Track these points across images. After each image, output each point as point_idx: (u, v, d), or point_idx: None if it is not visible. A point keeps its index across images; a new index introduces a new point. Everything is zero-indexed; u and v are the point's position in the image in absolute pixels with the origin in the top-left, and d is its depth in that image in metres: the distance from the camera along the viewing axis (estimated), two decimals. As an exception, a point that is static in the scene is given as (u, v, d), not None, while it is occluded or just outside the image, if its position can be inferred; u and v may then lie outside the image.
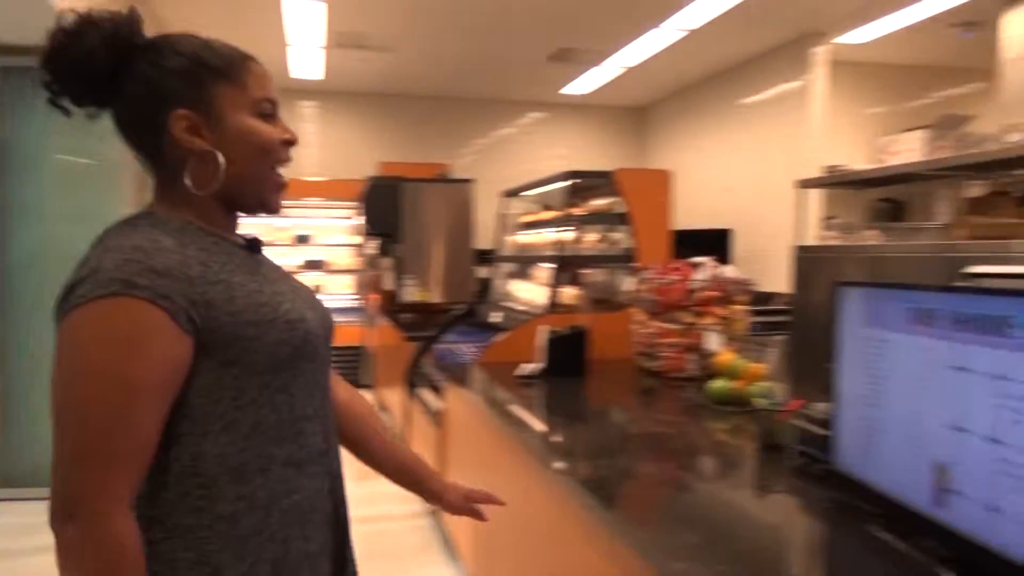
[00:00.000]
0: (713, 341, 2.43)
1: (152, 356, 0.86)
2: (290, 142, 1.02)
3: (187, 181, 0.96)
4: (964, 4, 5.12)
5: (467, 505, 1.32)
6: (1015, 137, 4.83)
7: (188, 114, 0.95)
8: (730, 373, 2.33)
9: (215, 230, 0.99)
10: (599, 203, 3.79)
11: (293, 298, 1.02)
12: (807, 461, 1.60)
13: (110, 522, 0.83)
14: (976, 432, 1.05)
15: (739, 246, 6.08)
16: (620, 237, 3.64)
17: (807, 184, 4.50)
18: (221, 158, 0.96)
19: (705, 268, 2.79)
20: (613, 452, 1.87)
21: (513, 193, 4.42)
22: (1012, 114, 4.96)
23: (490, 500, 1.34)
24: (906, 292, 1.23)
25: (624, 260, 3.48)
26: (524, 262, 4.14)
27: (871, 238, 4.55)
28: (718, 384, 2.29)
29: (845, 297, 1.40)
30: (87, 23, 0.92)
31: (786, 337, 4.70)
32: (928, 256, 3.59)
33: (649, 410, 2.47)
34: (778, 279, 5.38)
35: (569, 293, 3.49)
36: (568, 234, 3.53)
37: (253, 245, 1.05)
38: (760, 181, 6.21)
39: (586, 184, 3.64)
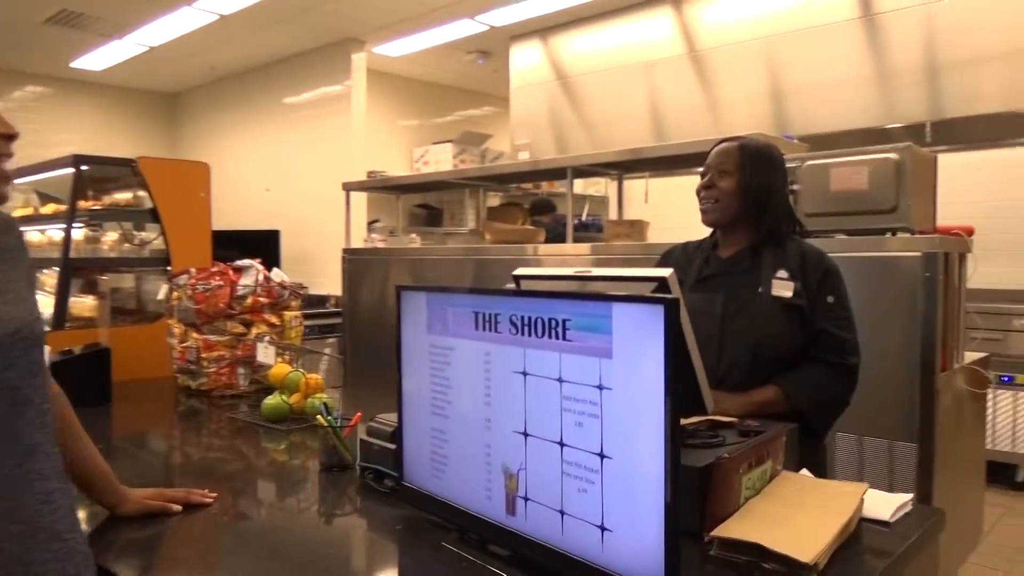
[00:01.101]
0: (265, 353, 2.20)
1: None
2: (10, 136, 1.01)
3: None
4: (480, 34, 5.75)
5: (145, 509, 1.31)
6: (523, 155, 5.58)
7: None
8: (286, 387, 2.14)
9: None
10: (120, 197, 3.23)
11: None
12: (374, 478, 1.50)
13: None
14: (543, 436, 1.05)
15: (287, 248, 5.90)
16: (149, 237, 3.15)
17: (351, 187, 4.53)
18: None
19: (252, 272, 2.53)
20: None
21: None
22: (520, 135, 5.74)
23: (165, 510, 1.32)
24: (467, 297, 1.19)
25: (155, 264, 3.02)
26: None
27: (412, 241, 4.79)
28: (273, 400, 2.07)
29: (406, 302, 1.32)
30: None
31: (340, 343, 4.70)
32: (461, 259, 3.90)
33: (195, 435, 2.13)
34: (329, 282, 5.34)
35: (84, 304, 2.88)
36: (79, 232, 2.91)
37: None
38: (307, 182, 6.12)
39: (102, 174, 3.06)
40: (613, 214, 8.00)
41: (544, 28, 5.62)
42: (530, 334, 1.06)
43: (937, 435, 2.37)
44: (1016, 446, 4.03)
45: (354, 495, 1.48)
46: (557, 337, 1.02)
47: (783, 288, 1.76)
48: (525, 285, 1.52)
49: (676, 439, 0.88)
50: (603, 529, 0.96)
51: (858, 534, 1.22)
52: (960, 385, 2.62)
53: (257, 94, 6.58)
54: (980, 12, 3.91)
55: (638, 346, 0.91)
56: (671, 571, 0.88)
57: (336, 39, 5.82)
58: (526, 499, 1.08)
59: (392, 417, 1.54)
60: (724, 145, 1.86)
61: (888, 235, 2.50)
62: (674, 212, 4.42)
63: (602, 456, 0.96)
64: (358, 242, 4.94)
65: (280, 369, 2.20)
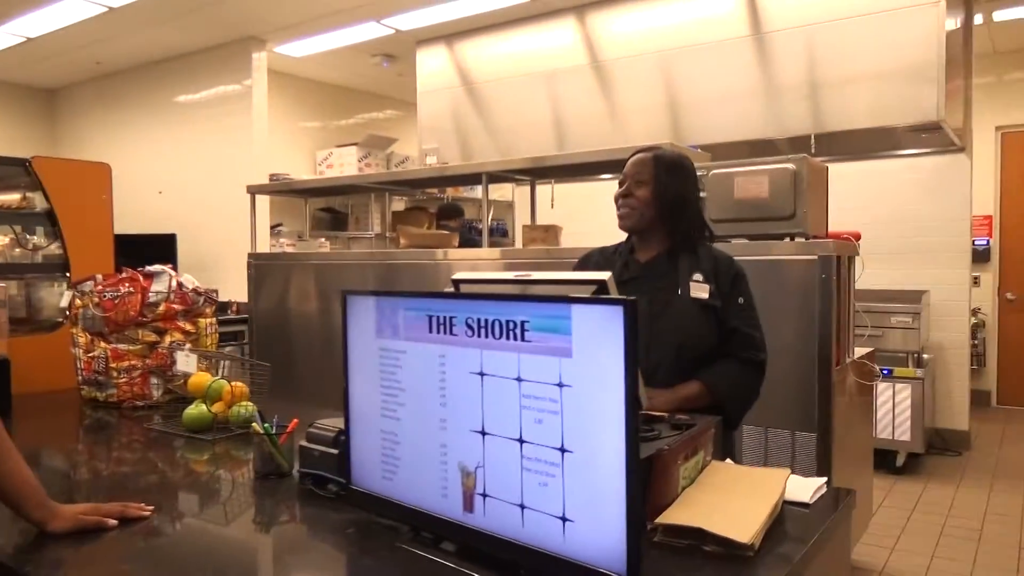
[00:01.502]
0: (186, 361, 2.13)
1: None
2: None
3: None
4: (385, 37, 5.71)
5: (78, 524, 1.26)
6: (431, 160, 5.59)
7: None
8: (208, 396, 2.07)
9: None
10: (8, 198, 3.02)
11: None
12: (315, 484, 1.49)
13: None
14: (501, 434, 1.09)
15: (183, 253, 5.65)
16: (43, 242, 2.96)
17: (257, 190, 4.40)
18: None
19: (164, 278, 2.44)
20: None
21: None
22: (427, 140, 5.74)
23: (101, 524, 1.28)
24: (421, 300, 1.21)
25: (50, 270, 2.84)
26: None
27: (322, 246, 4.71)
28: (195, 410, 2.01)
29: (353, 306, 1.33)
30: None
31: (239, 350, 4.54)
32: (373, 263, 3.87)
33: (106, 448, 2.04)
34: (231, 288, 5.17)
35: (-29, 314, 2.68)
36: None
37: None
38: (204, 184, 5.88)
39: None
40: (519, 219, 8.12)
41: (450, 34, 5.65)
42: (487, 336, 1.10)
43: (834, 425, 2.56)
44: (896, 434, 4.39)
45: (296, 502, 1.47)
46: (515, 339, 1.06)
47: (700, 290, 1.88)
48: (464, 289, 1.55)
49: (635, 431, 0.94)
50: (564, 520, 1.01)
51: (782, 515, 1.32)
52: (852, 378, 2.84)
53: (148, 91, 6.27)
54: (852, 35, 4.23)
55: (598, 345, 0.96)
56: (633, 556, 0.94)
57: (236, 37, 5.64)
58: (484, 495, 1.12)
59: (332, 422, 1.54)
60: (640, 156, 1.96)
61: (786, 240, 2.68)
62: (579, 216, 4.57)
63: (563, 450, 1.01)
64: (262, 246, 4.80)
65: (200, 378, 2.13)
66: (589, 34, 5.27)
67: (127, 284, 2.40)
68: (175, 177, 6.07)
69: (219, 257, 5.61)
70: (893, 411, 4.36)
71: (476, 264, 3.44)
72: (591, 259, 2.11)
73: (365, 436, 1.31)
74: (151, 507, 1.36)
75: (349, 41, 5.78)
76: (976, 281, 5.88)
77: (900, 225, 4.99)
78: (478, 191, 7.71)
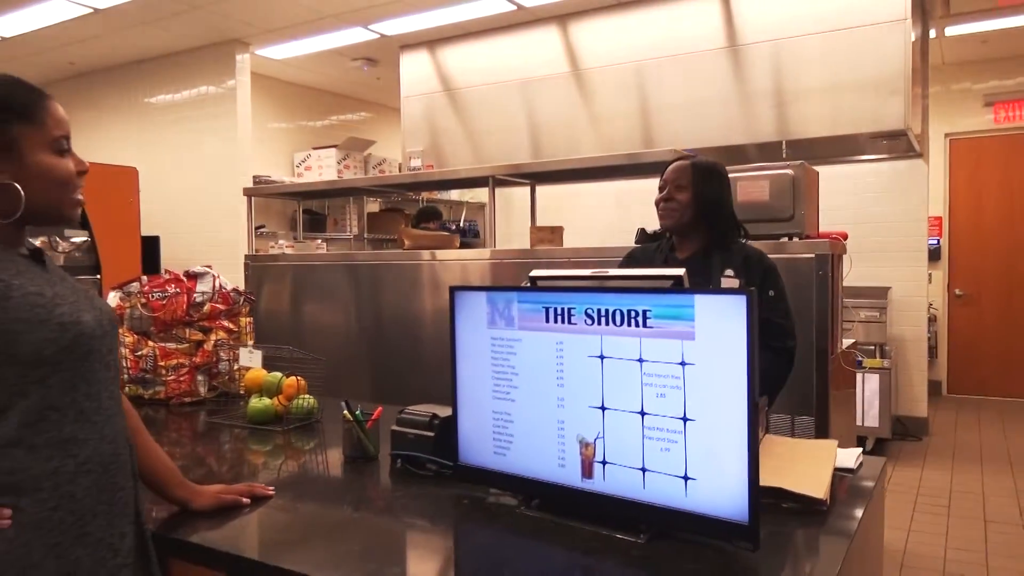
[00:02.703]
0: (249, 357, 2.22)
1: None
2: (84, 172, 1.19)
3: None
4: (369, 41, 5.81)
5: (219, 503, 1.39)
6: (415, 163, 5.71)
7: None
8: (265, 390, 2.18)
9: None
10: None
11: (74, 300, 1.14)
12: (412, 465, 1.63)
13: None
14: (622, 408, 1.25)
15: (167, 255, 5.64)
16: (75, 244, 3.00)
17: (254, 192, 4.47)
18: (21, 192, 1.10)
19: (208, 278, 2.53)
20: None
21: None
22: (411, 143, 5.86)
23: (238, 503, 1.40)
24: (538, 294, 1.37)
25: (80, 271, 2.89)
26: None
27: (319, 247, 4.78)
28: (260, 403, 2.11)
29: (461, 301, 1.48)
30: None
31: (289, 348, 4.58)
32: (375, 263, 3.98)
33: (179, 440, 2.11)
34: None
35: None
36: None
37: (36, 254, 1.16)
38: (188, 186, 5.88)
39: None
40: (490, 221, 8.25)
41: (434, 39, 5.78)
42: (608, 323, 1.27)
43: (830, 409, 2.80)
44: (866, 420, 4.70)
45: (397, 481, 1.60)
46: (637, 325, 1.23)
47: (731, 283, 2.09)
48: (542, 285, 1.71)
49: (755, 399, 1.12)
50: (687, 479, 1.18)
51: (834, 478, 1.52)
52: (842, 366, 3.09)
53: (124, 92, 6.22)
54: (823, 48, 4.50)
55: (721, 329, 1.14)
56: (754, 506, 1.12)
57: (220, 39, 5.66)
58: (604, 463, 1.28)
59: (422, 408, 1.69)
60: (679, 163, 2.16)
61: (785, 239, 2.91)
62: (559, 217, 4.75)
63: (685, 419, 1.18)
64: (249, 248, 4.82)
65: (256, 373, 2.23)
66: (571, 43, 5.47)
67: (173, 285, 2.48)
68: (155, 179, 6.04)
69: (204, 259, 5.60)
70: (863, 399, 4.67)
71: (463, 264, 3.59)
72: (635, 256, 2.31)
73: (475, 417, 1.46)
74: (272, 488, 1.48)
75: (333, 45, 5.86)
76: (929, 278, 6.29)
77: (863, 226, 5.31)
78: (452, 194, 7.88)
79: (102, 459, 1.14)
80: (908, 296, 5.28)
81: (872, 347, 4.78)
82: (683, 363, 1.18)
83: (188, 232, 5.79)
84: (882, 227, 5.30)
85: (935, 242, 6.54)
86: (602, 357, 1.28)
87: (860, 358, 4.61)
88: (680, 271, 1.53)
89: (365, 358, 3.92)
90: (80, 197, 1.19)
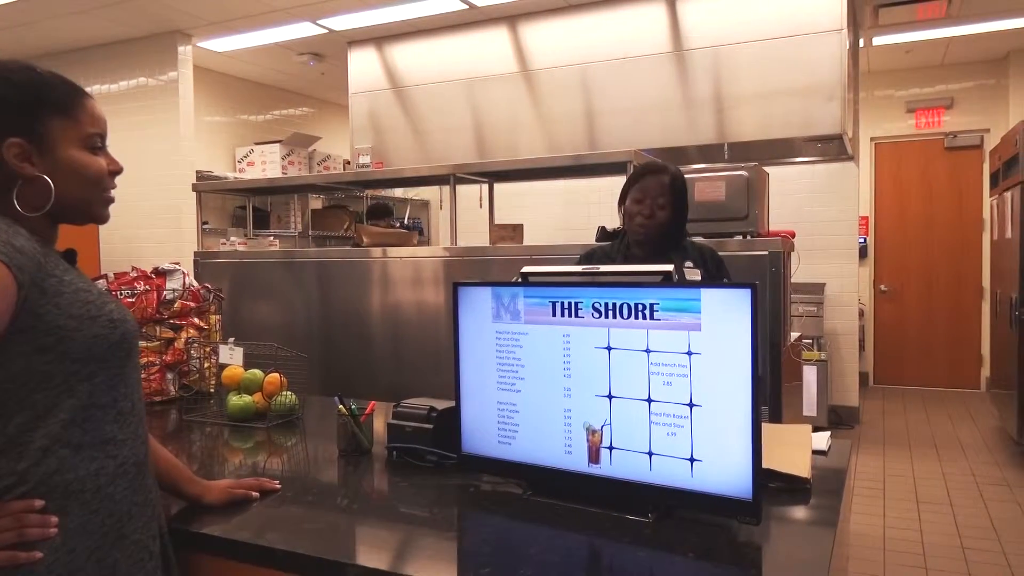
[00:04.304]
0: (229, 354, 2.20)
1: None
2: (117, 172, 1.19)
3: (15, 202, 1.07)
4: (316, 36, 5.74)
5: (230, 497, 1.39)
6: (364, 159, 5.68)
7: (21, 142, 1.07)
8: (243, 388, 2.17)
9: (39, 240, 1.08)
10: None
11: (111, 299, 1.16)
12: (410, 457, 1.66)
13: None
14: (629, 396, 1.32)
15: (107, 251, 5.46)
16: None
17: (204, 188, 4.37)
18: (52, 185, 1.09)
19: (178, 276, 2.49)
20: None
21: None
22: (359, 140, 5.82)
23: (248, 497, 1.41)
24: (544, 289, 1.43)
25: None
26: None
27: (272, 244, 4.71)
28: (240, 400, 2.10)
29: (464, 296, 1.53)
30: None
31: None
32: (326, 261, 3.97)
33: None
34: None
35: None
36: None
37: (69, 255, 1.16)
38: (128, 181, 5.68)
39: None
40: (435, 217, 8.26)
41: (382, 36, 5.76)
42: (614, 316, 1.34)
43: (783, 399, 2.96)
44: (805, 410, 4.94)
45: (396, 473, 1.63)
46: (644, 318, 1.30)
47: (693, 274, 2.23)
48: (533, 280, 1.77)
49: (758, 384, 1.21)
50: (693, 460, 1.27)
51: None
52: (791, 358, 3.26)
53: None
54: (764, 55, 4.70)
55: (727, 320, 1.22)
56: (757, 484, 1.21)
57: (161, 30, 5.50)
58: (611, 448, 1.35)
59: (417, 402, 1.73)
60: (658, 178, 2.27)
61: (738, 237, 3.06)
62: (508, 217, 4.82)
63: (691, 405, 1.26)
64: (195, 245, 4.71)
65: (234, 371, 2.22)
66: (520, 44, 5.54)
67: (142, 283, 2.43)
68: (90, 173, 5.83)
69: (144, 257, 5.45)
70: (803, 389, 4.91)
71: (416, 261, 3.62)
72: (595, 255, 2.40)
73: (479, 408, 1.51)
74: (277, 482, 1.50)
75: (279, 39, 5.77)
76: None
77: (799, 225, 5.56)
78: (397, 192, 7.84)
79: (136, 459, 1.14)
80: (840, 292, 5.57)
81: (810, 340, 5.03)
82: (689, 352, 1.26)
83: (127, 228, 5.61)
84: (817, 226, 5.57)
85: (862, 240, 6.90)
86: (609, 348, 1.34)
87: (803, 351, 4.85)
88: (669, 267, 1.61)
89: (324, 354, 3.90)
90: (111, 196, 1.19)
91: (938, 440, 5.12)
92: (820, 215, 5.57)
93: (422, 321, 3.59)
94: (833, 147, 5.08)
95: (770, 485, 1.47)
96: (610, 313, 1.34)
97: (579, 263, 2.42)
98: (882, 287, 7.08)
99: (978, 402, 6.34)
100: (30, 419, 1.02)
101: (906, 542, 3.39)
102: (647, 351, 1.30)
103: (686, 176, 3.08)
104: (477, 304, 1.51)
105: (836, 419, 5.48)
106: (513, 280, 1.56)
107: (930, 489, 4.08)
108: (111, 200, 1.20)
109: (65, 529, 1.02)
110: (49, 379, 1.03)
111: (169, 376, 2.44)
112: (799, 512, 1.40)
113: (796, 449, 1.59)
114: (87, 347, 1.06)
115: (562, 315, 1.40)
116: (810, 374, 4.92)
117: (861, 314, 6.91)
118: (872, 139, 7.00)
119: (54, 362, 1.03)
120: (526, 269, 1.77)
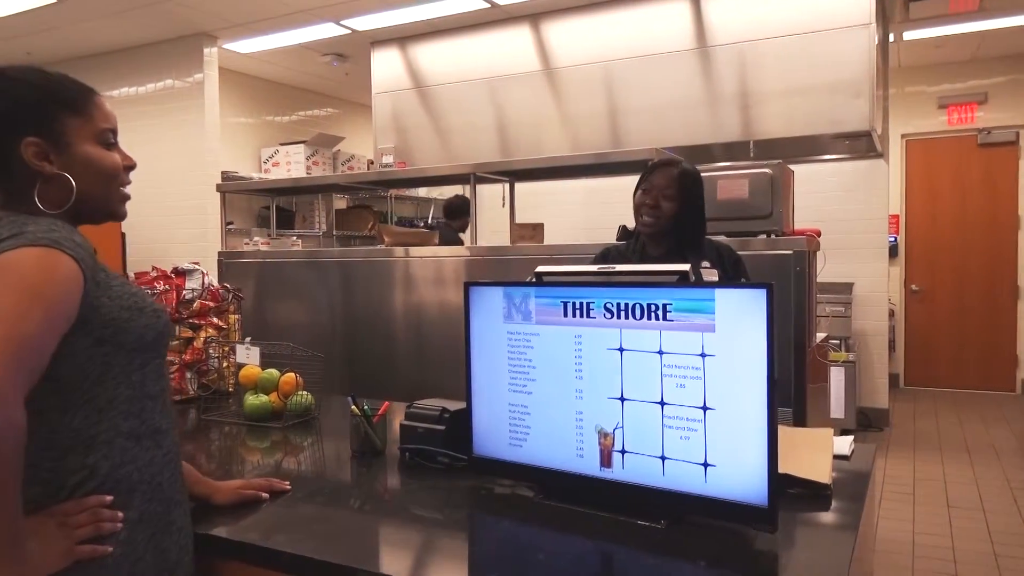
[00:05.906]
0: (246, 354, 2.21)
1: (68, 293, 1.00)
2: (131, 167, 1.22)
3: (37, 200, 1.09)
4: (339, 37, 5.76)
5: (239, 498, 1.38)
6: (387, 159, 5.70)
7: (38, 141, 1.09)
8: (260, 387, 2.17)
9: None
10: None
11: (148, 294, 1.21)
12: (422, 459, 1.65)
13: (9, 405, 0.90)
14: (641, 399, 1.30)
15: (133, 252, 5.53)
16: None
17: (227, 189, 4.41)
18: (73, 182, 1.11)
19: (197, 275, 2.51)
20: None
21: None
22: (382, 140, 5.83)
23: (258, 498, 1.40)
24: (556, 289, 1.40)
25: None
26: None
27: (295, 244, 4.74)
28: (257, 400, 2.11)
29: (476, 296, 1.51)
30: None
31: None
32: (352, 260, 3.97)
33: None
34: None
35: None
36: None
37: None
38: (154, 183, 5.76)
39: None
40: (473, 217, 8.25)
41: (406, 36, 5.76)
42: (627, 317, 1.31)
43: (808, 400, 2.90)
44: (832, 412, 4.84)
45: (409, 474, 1.62)
46: (657, 318, 1.27)
47: (710, 275, 2.18)
48: (547, 280, 1.74)
49: (775, 387, 1.18)
50: (707, 465, 1.23)
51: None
52: (816, 359, 3.19)
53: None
54: (790, 51, 4.62)
55: (742, 320, 1.19)
56: (773, 492, 1.17)
57: (187, 32, 5.56)
58: (623, 452, 1.32)
59: (429, 403, 1.71)
60: (667, 171, 2.23)
61: (762, 236, 3.00)
62: (529, 216, 4.80)
63: (705, 408, 1.23)
64: (219, 245, 4.75)
65: (251, 370, 2.22)
66: (543, 42, 5.51)
67: (161, 282, 2.45)
68: (119, 174, 5.91)
69: (170, 257, 5.51)
70: (830, 391, 4.82)
71: (438, 261, 3.61)
72: (610, 254, 2.36)
73: (490, 410, 1.49)
74: (287, 482, 1.49)
75: (303, 40, 5.80)
76: (887, 274, 6.51)
77: (827, 224, 5.46)
78: (420, 192, 7.85)
79: (176, 448, 1.20)
80: (870, 292, 5.46)
81: (837, 341, 4.94)
82: (703, 355, 1.23)
83: (152, 229, 5.68)
84: (845, 225, 5.46)
85: (892, 239, 6.75)
86: (621, 350, 1.32)
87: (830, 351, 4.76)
88: (685, 266, 1.58)
89: (347, 353, 3.91)
90: (127, 192, 1.21)
91: (970, 443, 4.99)
92: (849, 213, 5.46)
93: (444, 320, 3.58)
94: (862, 144, 4.98)
95: (789, 491, 1.43)
96: (622, 314, 1.31)
97: (594, 262, 2.38)
98: (913, 287, 6.94)
99: (1013, 405, 6.19)
100: (93, 411, 1.06)
101: (936, 548, 3.31)
102: (660, 352, 1.27)
103: (709, 174, 3.08)
104: (489, 304, 1.49)
105: (865, 421, 5.37)
106: (527, 280, 1.54)
107: (962, 494, 3.98)
108: (127, 196, 1.22)
109: (129, 522, 1.07)
110: (108, 370, 1.07)
111: (188, 375, 2.45)
112: (818, 519, 1.36)
113: (817, 454, 1.55)
114: (139, 336, 1.10)
115: (574, 316, 1.37)
116: (837, 375, 4.82)
117: (891, 314, 6.78)
118: (903, 136, 6.85)
119: (111, 353, 1.07)
120: (540, 269, 1.75)
